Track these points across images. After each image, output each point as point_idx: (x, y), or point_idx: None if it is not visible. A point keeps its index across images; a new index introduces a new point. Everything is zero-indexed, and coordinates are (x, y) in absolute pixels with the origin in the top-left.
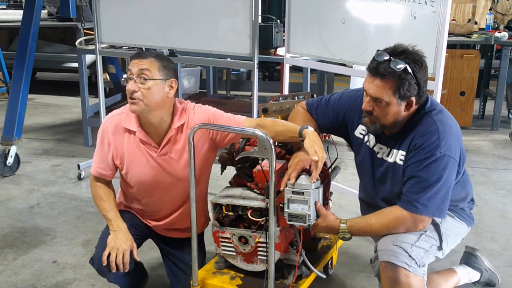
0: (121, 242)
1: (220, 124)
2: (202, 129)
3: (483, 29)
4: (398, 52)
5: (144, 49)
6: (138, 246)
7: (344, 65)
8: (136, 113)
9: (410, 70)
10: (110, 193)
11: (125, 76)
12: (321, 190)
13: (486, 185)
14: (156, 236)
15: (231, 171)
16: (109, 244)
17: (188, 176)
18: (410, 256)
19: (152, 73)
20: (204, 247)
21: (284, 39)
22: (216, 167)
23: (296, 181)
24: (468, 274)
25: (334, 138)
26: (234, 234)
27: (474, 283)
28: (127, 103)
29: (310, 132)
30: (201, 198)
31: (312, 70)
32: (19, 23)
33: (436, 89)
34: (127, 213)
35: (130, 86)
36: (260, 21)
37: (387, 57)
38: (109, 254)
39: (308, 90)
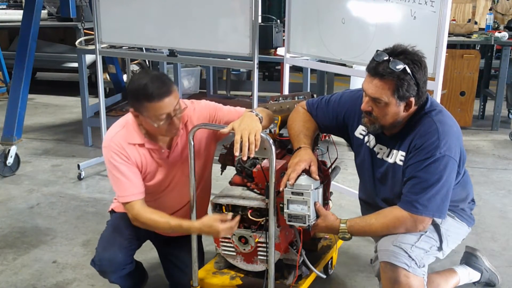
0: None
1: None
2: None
3: (483, 29)
4: (398, 52)
5: (144, 50)
6: (137, 247)
7: (344, 65)
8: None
9: (409, 71)
10: (157, 210)
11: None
12: (320, 190)
13: (486, 185)
14: (154, 236)
15: (231, 171)
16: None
17: (199, 175)
18: (410, 256)
19: (179, 103)
20: (202, 247)
21: (284, 39)
22: (216, 167)
23: (295, 181)
24: (468, 274)
25: (334, 138)
26: (234, 234)
27: (474, 283)
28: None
29: (247, 113)
30: (207, 192)
31: (312, 70)
32: (19, 23)
33: (436, 89)
34: (126, 214)
35: (178, 124)
36: (260, 21)
37: (386, 58)
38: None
39: (308, 90)
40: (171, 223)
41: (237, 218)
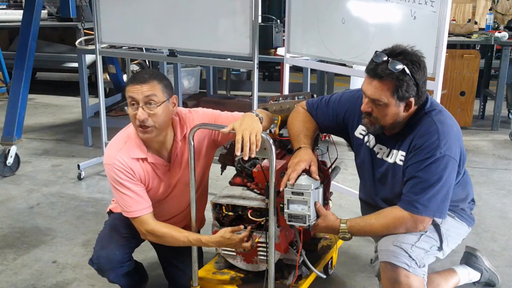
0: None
1: (220, 123)
2: (203, 129)
3: (483, 29)
4: (397, 53)
5: (144, 50)
6: (136, 246)
7: (344, 65)
8: (149, 139)
9: (408, 71)
10: (170, 225)
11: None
12: (321, 190)
13: (486, 185)
14: None
15: (231, 171)
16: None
17: (198, 181)
18: (410, 256)
19: (158, 97)
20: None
21: (284, 39)
22: (216, 167)
23: (295, 181)
24: (468, 274)
25: (334, 138)
26: None
27: (474, 283)
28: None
29: (247, 114)
30: (204, 196)
31: (312, 70)
32: (19, 23)
33: (436, 89)
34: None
35: (140, 115)
36: (260, 21)
37: (385, 58)
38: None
39: (308, 90)
40: (190, 238)
41: (248, 228)
